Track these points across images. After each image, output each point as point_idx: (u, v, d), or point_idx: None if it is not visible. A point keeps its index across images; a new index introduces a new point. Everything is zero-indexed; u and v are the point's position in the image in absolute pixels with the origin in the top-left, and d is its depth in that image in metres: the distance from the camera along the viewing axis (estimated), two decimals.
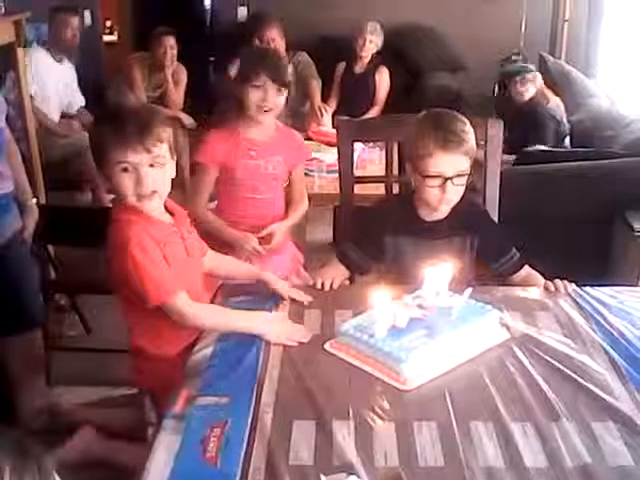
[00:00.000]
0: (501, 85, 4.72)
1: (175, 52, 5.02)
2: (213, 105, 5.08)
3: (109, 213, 1.84)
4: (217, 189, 2.54)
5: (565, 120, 4.24)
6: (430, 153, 1.98)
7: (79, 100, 5.00)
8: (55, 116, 4.71)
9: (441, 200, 2.02)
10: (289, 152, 2.53)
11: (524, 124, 4.04)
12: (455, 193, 2.02)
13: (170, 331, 1.88)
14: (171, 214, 1.89)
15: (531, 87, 4.23)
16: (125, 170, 1.72)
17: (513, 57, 5.42)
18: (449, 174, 1.98)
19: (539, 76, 4.35)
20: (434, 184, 1.99)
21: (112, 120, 1.75)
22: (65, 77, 4.80)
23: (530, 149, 3.82)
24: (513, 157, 3.55)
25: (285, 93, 2.41)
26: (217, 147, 2.47)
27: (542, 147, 3.91)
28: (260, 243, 2.46)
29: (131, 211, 1.80)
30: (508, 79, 4.35)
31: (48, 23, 4.66)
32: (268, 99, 2.36)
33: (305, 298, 1.97)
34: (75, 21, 4.72)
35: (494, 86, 5.21)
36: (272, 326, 1.81)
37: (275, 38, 4.81)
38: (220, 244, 2.27)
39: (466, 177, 2.03)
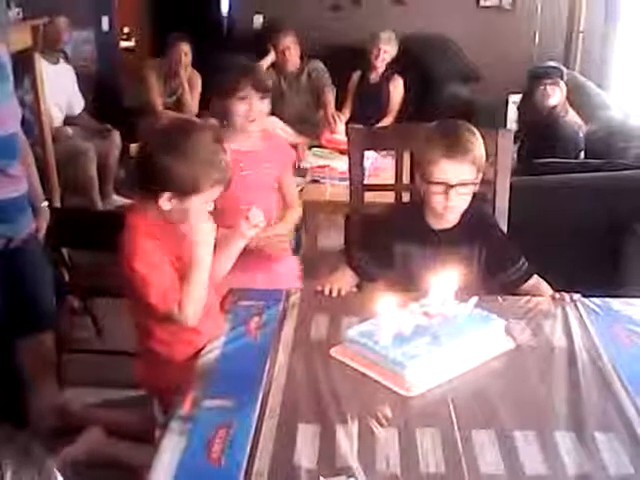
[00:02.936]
0: (527, 91, 4.57)
1: (189, 59, 5.07)
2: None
3: (122, 217, 1.89)
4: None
5: (581, 134, 4.20)
6: (435, 160, 2.00)
7: (79, 101, 5.02)
8: (59, 118, 4.77)
9: (445, 207, 2.04)
10: (277, 158, 2.49)
11: (545, 134, 4.01)
12: (459, 201, 2.04)
13: (182, 335, 1.90)
14: None
15: (558, 93, 4.15)
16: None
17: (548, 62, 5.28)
18: (453, 182, 2.00)
19: (565, 87, 4.28)
20: (438, 191, 2.01)
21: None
22: (62, 78, 4.83)
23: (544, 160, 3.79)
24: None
25: (267, 99, 2.40)
26: None
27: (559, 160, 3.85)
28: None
29: (144, 217, 1.84)
30: (537, 80, 4.25)
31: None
32: (253, 109, 2.35)
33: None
34: (62, 22, 4.82)
35: (507, 97, 5.16)
36: None
37: (290, 46, 4.85)
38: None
39: (472, 186, 2.04)
